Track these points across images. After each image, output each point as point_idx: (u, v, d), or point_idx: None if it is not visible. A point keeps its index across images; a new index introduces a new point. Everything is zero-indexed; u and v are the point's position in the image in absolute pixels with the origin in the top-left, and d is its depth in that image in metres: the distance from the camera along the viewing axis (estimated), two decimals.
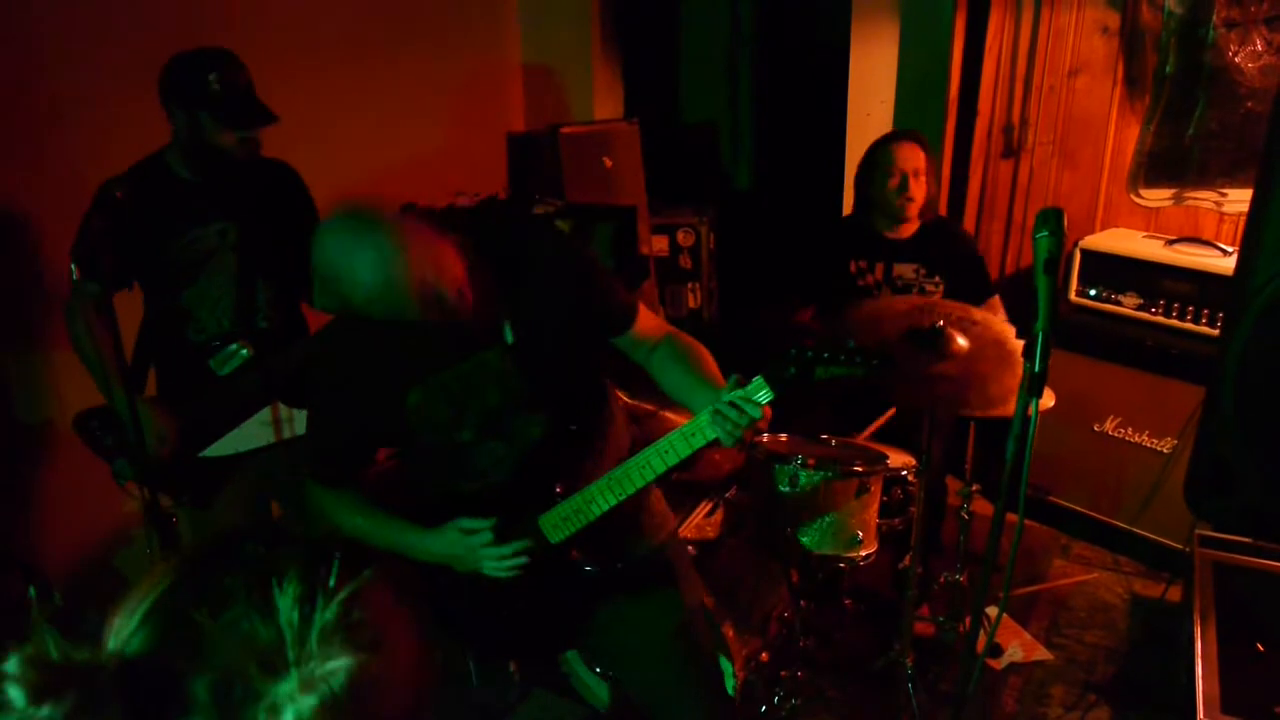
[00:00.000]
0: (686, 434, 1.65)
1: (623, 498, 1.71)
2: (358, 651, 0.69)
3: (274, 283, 2.43)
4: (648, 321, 1.89)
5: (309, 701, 0.66)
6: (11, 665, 0.61)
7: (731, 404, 1.59)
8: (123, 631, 0.68)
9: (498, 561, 1.74)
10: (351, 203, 1.55)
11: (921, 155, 3.01)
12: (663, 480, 1.76)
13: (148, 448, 2.20)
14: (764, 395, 1.60)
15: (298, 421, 2.43)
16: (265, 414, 2.40)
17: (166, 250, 2.29)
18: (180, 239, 2.30)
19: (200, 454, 2.37)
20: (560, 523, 1.76)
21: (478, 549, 1.73)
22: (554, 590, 1.84)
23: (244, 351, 2.36)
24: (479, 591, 1.82)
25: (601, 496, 1.72)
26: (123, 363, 2.24)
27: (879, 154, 3.07)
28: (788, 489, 2.51)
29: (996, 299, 3.10)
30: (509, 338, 1.72)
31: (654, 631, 1.91)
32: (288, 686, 0.66)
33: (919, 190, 3.01)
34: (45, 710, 0.61)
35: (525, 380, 1.75)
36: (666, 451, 1.66)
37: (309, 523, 1.89)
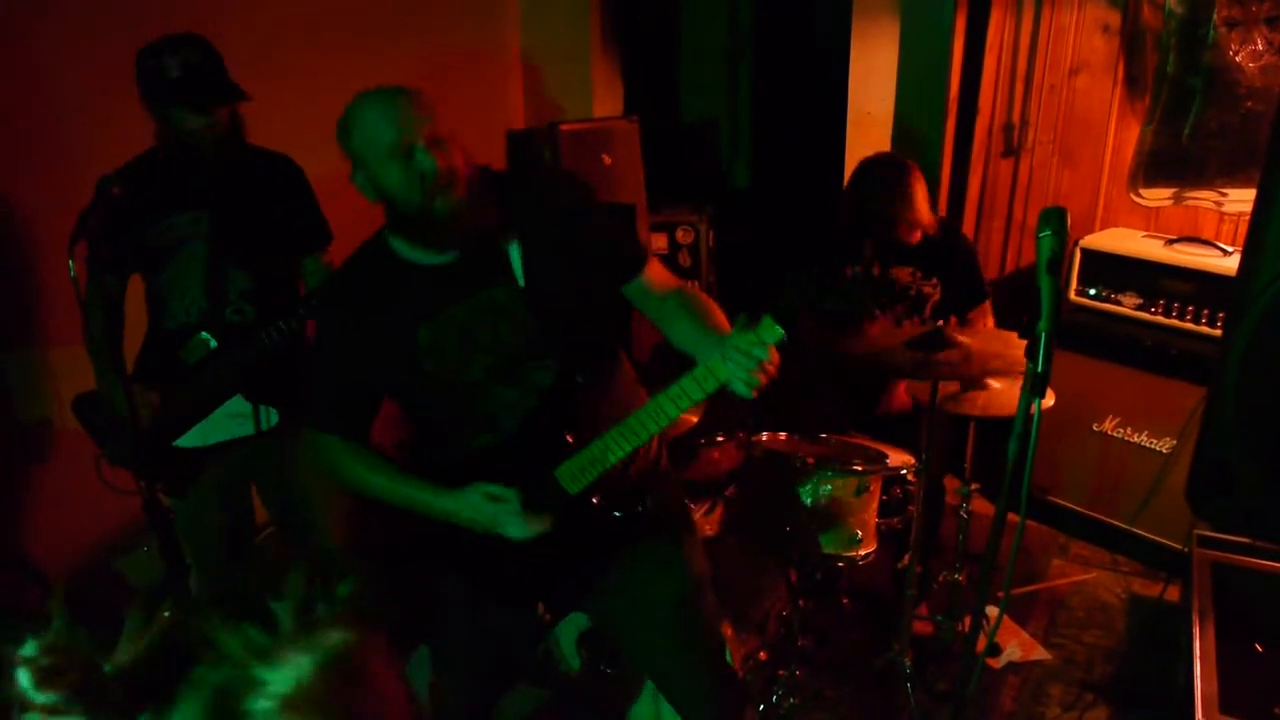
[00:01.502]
0: (699, 378, 1.59)
1: (637, 445, 1.70)
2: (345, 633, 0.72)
3: (251, 276, 2.39)
4: (659, 272, 1.87)
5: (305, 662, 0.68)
6: (28, 650, 0.65)
7: (738, 346, 1.52)
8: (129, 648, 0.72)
9: (522, 527, 1.73)
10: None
11: (924, 186, 2.96)
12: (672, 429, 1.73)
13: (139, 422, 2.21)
14: (771, 334, 1.51)
15: (272, 414, 2.44)
16: (233, 406, 2.40)
17: (146, 236, 2.30)
18: (158, 225, 2.30)
19: (172, 444, 2.37)
20: (577, 473, 1.75)
21: (502, 514, 1.73)
22: (573, 538, 1.83)
23: (211, 342, 2.34)
24: (499, 540, 1.80)
25: (616, 444, 1.71)
26: (118, 348, 2.29)
27: (883, 196, 2.93)
28: (810, 500, 2.53)
29: (987, 305, 3.10)
30: (520, 280, 1.72)
31: (660, 599, 1.91)
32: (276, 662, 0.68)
33: (924, 215, 2.97)
34: (49, 696, 0.64)
35: (536, 323, 1.74)
36: (678, 396, 1.62)
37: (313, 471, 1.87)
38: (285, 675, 0.67)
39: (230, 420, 2.40)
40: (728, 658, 2.26)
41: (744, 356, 1.50)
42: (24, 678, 0.64)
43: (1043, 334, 1.40)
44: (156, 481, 2.39)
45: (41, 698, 0.64)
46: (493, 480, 1.74)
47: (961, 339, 2.45)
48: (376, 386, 1.83)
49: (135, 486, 2.29)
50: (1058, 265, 1.41)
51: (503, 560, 1.84)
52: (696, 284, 1.93)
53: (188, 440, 2.39)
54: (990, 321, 3.08)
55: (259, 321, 2.39)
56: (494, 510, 1.73)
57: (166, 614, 0.74)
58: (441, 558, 1.93)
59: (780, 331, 1.51)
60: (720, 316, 1.79)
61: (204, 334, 2.34)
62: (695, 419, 2.93)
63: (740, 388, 1.53)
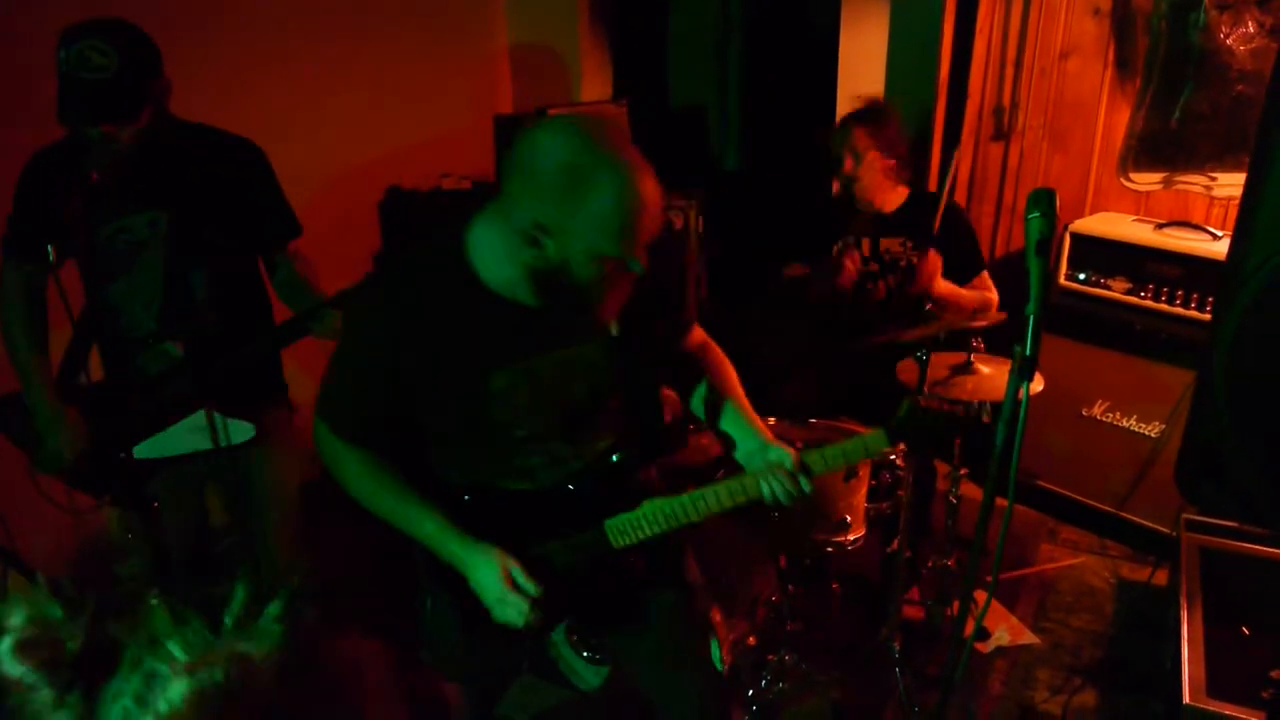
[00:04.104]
0: (736, 491, 1.69)
1: (694, 521, 1.70)
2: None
3: (213, 277, 2.21)
4: (700, 333, 1.88)
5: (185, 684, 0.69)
6: (16, 618, 0.68)
7: (789, 474, 1.66)
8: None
9: (518, 619, 1.62)
10: (582, 117, 1.48)
11: (864, 137, 2.97)
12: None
13: (52, 447, 2.14)
14: (809, 484, 1.69)
15: (233, 430, 2.19)
16: (198, 419, 2.14)
17: (96, 238, 2.13)
18: (107, 227, 2.12)
19: (124, 453, 2.22)
20: (628, 529, 1.70)
21: (510, 600, 1.61)
22: (590, 585, 1.79)
23: (175, 351, 2.18)
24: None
25: (674, 514, 1.69)
26: (43, 354, 2.18)
27: (831, 138, 3.06)
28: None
29: (985, 275, 3.08)
30: (614, 329, 1.61)
31: (654, 609, 1.88)
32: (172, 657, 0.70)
33: (866, 171, 2.98)
34: (20, 669, 0.67)
35: (617, 380, 1.67)
36: (736, 493, 1.69)
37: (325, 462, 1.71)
38: (167, 694, 0.68)
39: (191, 434, 2.19)
40: (717, 661, 2.24)
41: (788, 482, 1.66)
42: (4, 645, 0.66)
43: (1031, 317, 1.39)
44: (103, 494, 2.27)
45: (16, 670, 0.66)
46: (518, 524, 1.67)
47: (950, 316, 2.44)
48: (412, 411, 1.64)
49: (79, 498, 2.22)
50: (1047, 247, 1.40)
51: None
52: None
53: (144, 450, 2.22)
54: (994, 294, 3.05)
55: (224, 326, 2.22)
56: (502, 593, 1.60)
57: (153, 600, 0.74)
58: (441, 586, 1.81)
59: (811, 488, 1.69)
60: (735, 379, 1.83)
61: (168, 344, 2.18)
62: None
63: (782, 498, 1.67)
